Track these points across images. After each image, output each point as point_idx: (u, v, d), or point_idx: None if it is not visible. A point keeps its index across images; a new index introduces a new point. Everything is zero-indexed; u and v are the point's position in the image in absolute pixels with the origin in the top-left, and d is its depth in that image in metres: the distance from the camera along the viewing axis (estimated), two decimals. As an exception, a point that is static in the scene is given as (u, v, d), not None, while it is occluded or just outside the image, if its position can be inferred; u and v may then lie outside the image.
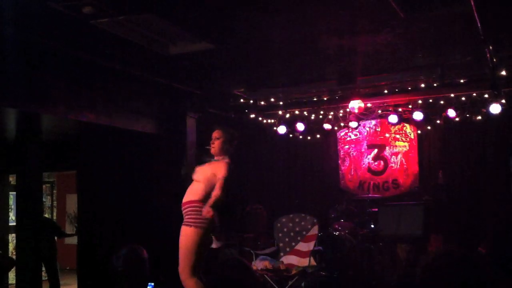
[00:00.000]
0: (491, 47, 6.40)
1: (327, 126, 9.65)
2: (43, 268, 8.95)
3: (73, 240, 9.67)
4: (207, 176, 5.22)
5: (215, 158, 5.37)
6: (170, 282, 5.14)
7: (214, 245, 5.27)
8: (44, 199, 12.09)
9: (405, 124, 9.85)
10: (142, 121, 7.81)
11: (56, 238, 9.25)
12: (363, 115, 9.66)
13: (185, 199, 5.24)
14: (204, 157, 5.47)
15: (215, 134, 5.46)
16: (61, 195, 13.85)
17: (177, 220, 5.32)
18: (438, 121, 9.36)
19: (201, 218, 5.05)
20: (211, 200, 5.00)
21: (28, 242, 8.00)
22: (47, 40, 5.50)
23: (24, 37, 5.25)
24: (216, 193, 5.02)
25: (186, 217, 5.15)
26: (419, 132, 9.81)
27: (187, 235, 5.10)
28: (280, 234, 8.04)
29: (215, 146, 5.39)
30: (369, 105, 9.23)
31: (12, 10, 4.70)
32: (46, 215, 12.48)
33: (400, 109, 9.29)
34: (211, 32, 5.79)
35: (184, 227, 5.14)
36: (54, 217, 13.33)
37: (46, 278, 9.07)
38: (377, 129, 10.14)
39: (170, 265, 5.19)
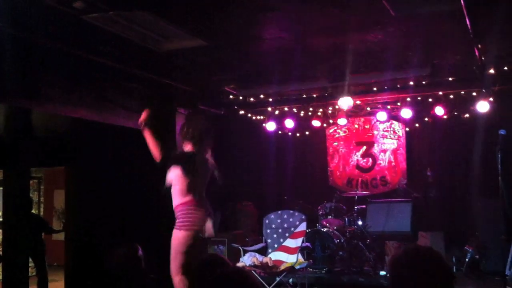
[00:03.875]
0: (480, 46, 6.46)
1: (316, 123, 9.68)
2: (31, 264, 8.90)
3: (61, 236, 9.61)
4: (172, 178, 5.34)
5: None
6: (161, 279, 5.14)
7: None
8: (31, 195, 12.00)
9: (394, 122, 9.91)
10: (132, 118, 7.78)
11: (43, 234, 9.19)
12: (352, 112, 9.71)
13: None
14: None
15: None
16: (48, 191, 13.74)
17: (165, 217, 5.35)
18: (426, 119, 9.42)
19: (188, 221, 5.12)
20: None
21: (15, 238, 7.96)
22: (38, 36, 5.47)
23: (16, 33, 5.22)
24: None
25: (176, 220, 5.23)
26: (407, 129, 9.87)
27: (175, 237, 5.19)
28: (268, 231, 8.05)
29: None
30: (358, 102, 9.27)
31: (3, 5, 4.67)
32: (33, 211, 12.39)
33: (388, 107, 9.36)
34: (204, 29, 5.79)
35: (174, 230, 5.21)
36: (41, 213, 13.25)
37: (34, 274, 9.02)
38: (366, 126, 10.19)
39: (161, 262, 5.19)
